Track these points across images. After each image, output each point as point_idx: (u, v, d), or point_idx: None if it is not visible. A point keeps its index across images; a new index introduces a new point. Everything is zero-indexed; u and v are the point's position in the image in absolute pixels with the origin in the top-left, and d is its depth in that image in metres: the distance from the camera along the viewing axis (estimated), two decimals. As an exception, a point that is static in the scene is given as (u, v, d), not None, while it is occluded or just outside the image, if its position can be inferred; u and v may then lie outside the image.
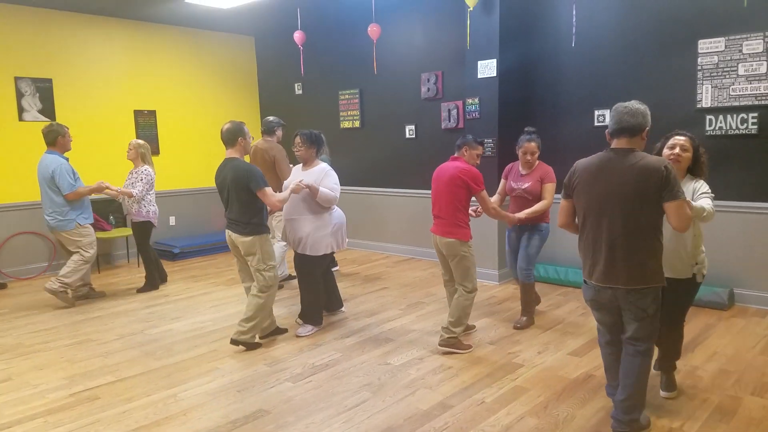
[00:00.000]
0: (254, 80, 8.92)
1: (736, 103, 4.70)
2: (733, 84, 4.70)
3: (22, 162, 6.46)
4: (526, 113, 5.90)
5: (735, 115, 4.72)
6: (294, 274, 5.21)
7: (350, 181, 7.80)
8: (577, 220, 2.86)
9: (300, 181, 4.20)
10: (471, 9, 5.48)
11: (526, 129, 4.41)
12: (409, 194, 7.11)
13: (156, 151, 7.74)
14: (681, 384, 3.37)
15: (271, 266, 4.10)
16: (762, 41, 4.54)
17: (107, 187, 5.44)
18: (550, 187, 4.31)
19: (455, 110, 6.45)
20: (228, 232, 4.13)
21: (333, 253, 4.73)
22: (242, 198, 3.97)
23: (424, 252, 7.02)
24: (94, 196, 5.69)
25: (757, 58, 4.57)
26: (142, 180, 5.65)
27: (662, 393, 3.27)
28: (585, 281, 2.83)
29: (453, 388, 3.44)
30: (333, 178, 4.38)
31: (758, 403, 3.17)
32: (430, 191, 4.09)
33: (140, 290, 5.88)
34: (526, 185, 4.31)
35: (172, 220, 7.95)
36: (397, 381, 3.56)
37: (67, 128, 5.35)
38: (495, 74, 5.59)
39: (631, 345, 2.75)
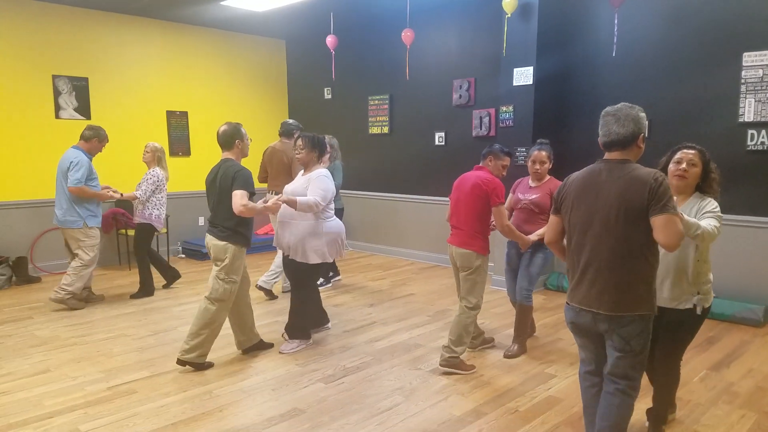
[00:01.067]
0: (284, 84, 9.00)
1: (779, 118, 4.63)
2: (777, 98, 4.63)
3: (57, 159, 6.55)
4: (562, 122, 5.86)
5: (778, 130, 4.65)
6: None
7: (377, 187, 7.83)
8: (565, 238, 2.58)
9: (277, 199, 3.89)
10: (509, 15, 5.47)
11: (538, 140, 4.23)
12: (436, 202, 7.09)
13: (187, 152, 7.86)
14: (717, 399, 3.31)
15: (232, 281, 3.82)
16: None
17: (111, 195, 5.40)
18: None
19: (487, 118, 6.44)
20: (207, 237, 3.92)
21: (333, 261, 4.42)
22: (225, 200, 3.76)
23: (449, 260, 6.98)
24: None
25: (802, 72, 4.50)
26: (147, 180, 5.55)
27: None
28: (567, 303, 2.56)
29: (485, 396, 3.43)
30: (322, 183, 4.04)
31: (801, 422, 3.11)
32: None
33: (133, 296, 5.66)
34: (535, 197, 4.09)
35: (201, 221, 8.03)
36: (429, 386, 3.56)
37: (108, 140, 5.39)
38: (531, 82, 5.56)
39: (611, 381, 2.47)
